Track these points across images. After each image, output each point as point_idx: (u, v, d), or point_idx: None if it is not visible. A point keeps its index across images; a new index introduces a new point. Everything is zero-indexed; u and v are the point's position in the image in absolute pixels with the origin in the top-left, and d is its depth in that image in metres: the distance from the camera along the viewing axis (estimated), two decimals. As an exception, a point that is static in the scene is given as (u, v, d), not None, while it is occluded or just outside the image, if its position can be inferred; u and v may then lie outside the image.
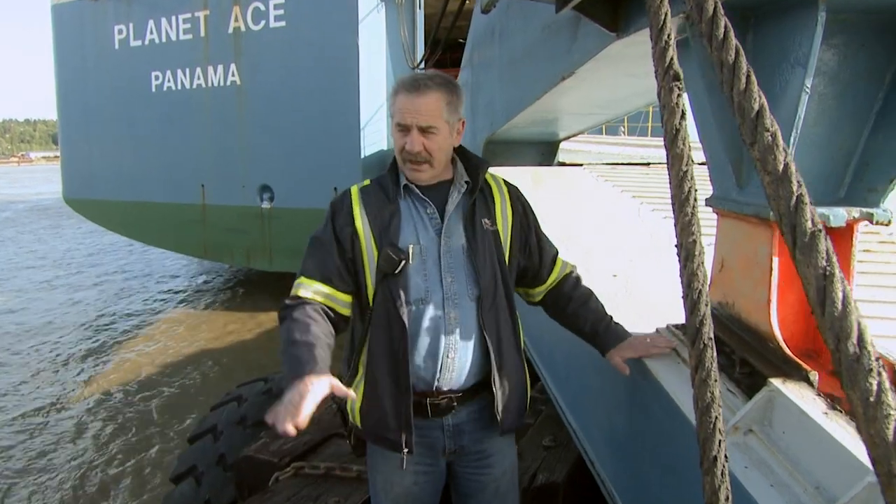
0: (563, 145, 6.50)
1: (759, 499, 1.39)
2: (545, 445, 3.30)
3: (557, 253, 2.23)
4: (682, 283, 1.01)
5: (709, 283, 1.30)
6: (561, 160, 6.40)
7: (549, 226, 2.27)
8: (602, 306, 2.17)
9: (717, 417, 0.94)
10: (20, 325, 11.02)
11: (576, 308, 2.15)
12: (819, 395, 1.55)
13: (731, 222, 1.87)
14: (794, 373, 1.63)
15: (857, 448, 1.34)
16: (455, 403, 2.01)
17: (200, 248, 12.33)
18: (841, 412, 1.47)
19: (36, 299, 12.92)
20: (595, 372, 2.42)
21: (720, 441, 0.93)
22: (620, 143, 8.34)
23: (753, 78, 0.75)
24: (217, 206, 11.63)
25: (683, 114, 1.01)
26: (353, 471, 3.29)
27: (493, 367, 1.99)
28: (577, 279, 2.21)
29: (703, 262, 0.99)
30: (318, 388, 1.59)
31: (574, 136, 6.43)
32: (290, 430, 1.49)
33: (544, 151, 6.40)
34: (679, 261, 1.01)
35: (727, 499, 0.93)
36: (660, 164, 6.16)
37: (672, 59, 1.02)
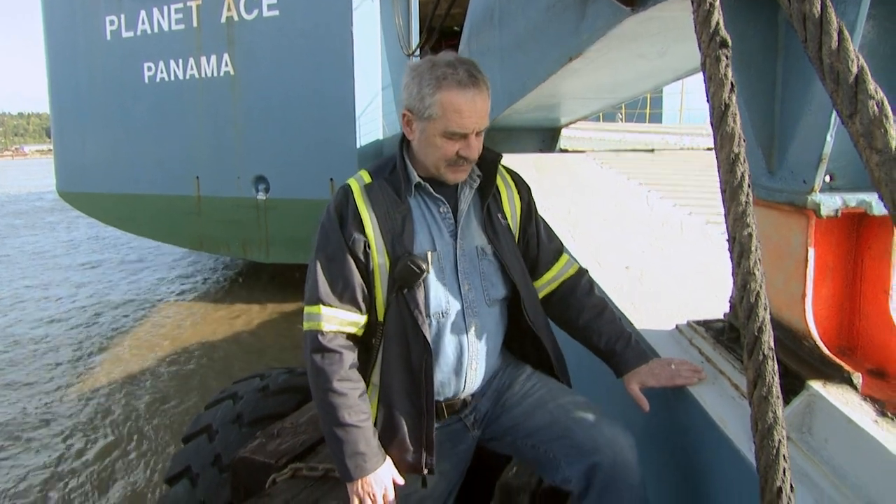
0: (564, 132, 6.35)
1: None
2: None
3: (563, 249, 2.03)
4: (734, 283, 0.87)
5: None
6: (563, 147, 6.25)
7: (555, 216, 2.13)
8: (619, 319, 1.97)
9: (781, 442, 0.80)
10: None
11: (588, 320, 1.95)
12: (865, 399, 1.42)
13: (760, 210, 1.72)
14: (834, 374, 1.50)
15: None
16: (471, 399, 1.90)
17: (196, 240, 12.17)
18: (892, 419, 1.34)
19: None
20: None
21: (785, 469, 0.79)
22: (622, 130, 8.20)
23: (847, 34, 0.60)
24: (212, 197, 11.45)
25: (733, 86, 0.87)
26: (354, 473, 3.15)
27: (549, 350, 1.93)
28: (590, 285, 2.01)
29: (759, 260, 0.85)
30: (387, 483, 1.75)
31: (576, 122, 6.27)
32: None
33: (545, 138, 6.25)
34: (731, 258, 0.87)
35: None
36: (664, 150, 6.01)
37: (718, 23, 0.88)
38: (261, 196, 11.07)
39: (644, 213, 3.45)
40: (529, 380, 1.95)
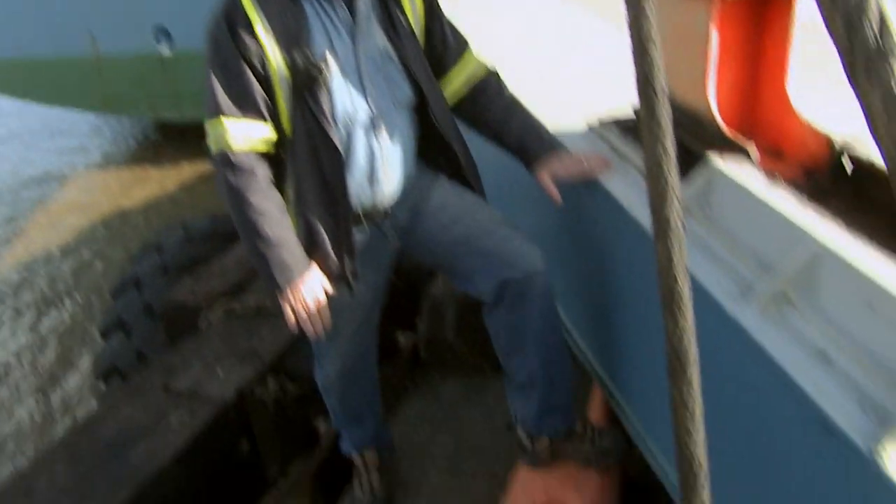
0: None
1: (701, 277, 1.35)
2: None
3: (468, 47, 1.98)
4: (629, 26, 0.87)
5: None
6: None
7: (464, 26, 2.04)
8: (531, 115, 1.96)
9: (670, 172, 0.83)
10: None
11: (500, 119, 1.94)
12: (760, 171, 1.49)
13: (666, -2, 1.71)
14: (733, 150, 1.56)
15: (799, 218, 1.29)
16: (389, 210, 1.91)
17: (99, 103, 11.43)
18: (784, 187, 1.41)
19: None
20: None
21: (675, 199, 0.83)
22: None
23: None
24: (111, 56, 10.64)
25: None
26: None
27: (460, 155, 1.95)
28: (500, 85, 1.98)
29: (655, 20, 0.84)
30: (317, 289, 1.78)
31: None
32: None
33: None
34: (628, 20, 0.85)
35: (682, 265, 0.84)
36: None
37: None
38: (164, 49, 10.39)
39: (558, 22, 3.40)
40: (446, 192, 1.98)
